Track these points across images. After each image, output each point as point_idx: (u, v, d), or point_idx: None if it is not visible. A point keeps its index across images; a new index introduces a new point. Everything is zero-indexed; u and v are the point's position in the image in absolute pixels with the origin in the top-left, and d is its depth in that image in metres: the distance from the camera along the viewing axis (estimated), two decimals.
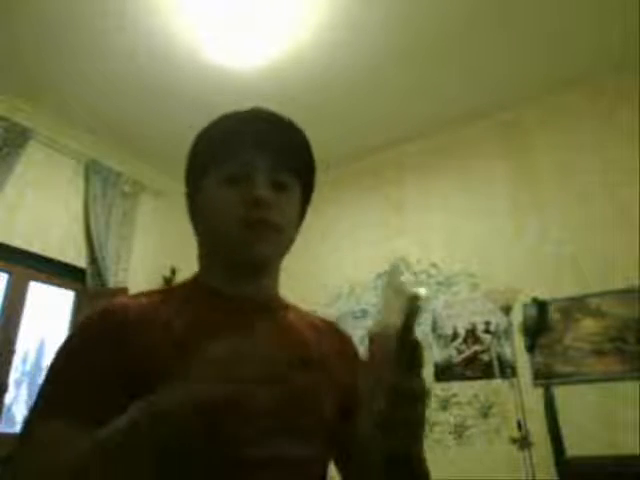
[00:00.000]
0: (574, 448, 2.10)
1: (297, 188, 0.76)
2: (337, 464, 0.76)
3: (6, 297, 3.01)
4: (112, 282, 3.36)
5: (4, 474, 0.58)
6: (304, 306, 0.84)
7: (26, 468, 0.57)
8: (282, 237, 0.73)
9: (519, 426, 2.40)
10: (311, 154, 0.77)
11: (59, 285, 3.32)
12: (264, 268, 0.74)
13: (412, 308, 0.45)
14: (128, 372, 0.60)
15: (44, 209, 3.26)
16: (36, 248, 3.17)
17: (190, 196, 0.78)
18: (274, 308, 0.77)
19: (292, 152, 0.74)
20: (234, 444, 0.59)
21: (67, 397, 0.60)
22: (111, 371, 0.61)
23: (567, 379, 2.65)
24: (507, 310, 2.50)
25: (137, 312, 0.66)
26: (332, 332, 0.82)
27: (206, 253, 0.77)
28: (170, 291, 0.75)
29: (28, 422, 0.61)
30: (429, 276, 3.32)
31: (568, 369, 2.67)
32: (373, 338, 0.51)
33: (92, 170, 3.50)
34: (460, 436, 2.85)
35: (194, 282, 0.76)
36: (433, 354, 3.13)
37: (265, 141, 0.72)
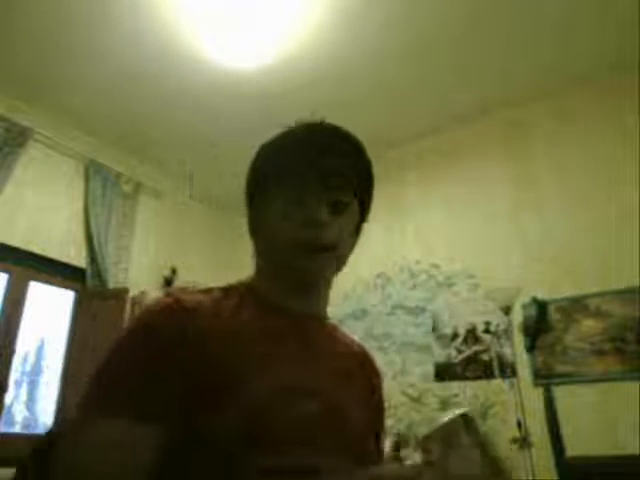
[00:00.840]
0: (574, 448, 2.10)
1: (355, 206, 0.75)
2: None
3: (6, 297, 3.01)
4: (112, 282, 3.36)
5: (52, 469, 0.56)
6: None
7: (94, 469, 0.55)
8: (335, 256, 0.73)
9: (519, 426, 2.40)
10: (371, 172, 0.78)
11: (59, 285, 3.32)
12: (316, 285, 0.76)
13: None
14: (193, 380, 0.59)
15: (44, 209, 3.25)
16: (36, 248, 3.17)
17: (249, 209, 0.78)
18: (324, 324, 0.79)
19: (353, 171, 0.74)
20: (274, 452, 0.59)
21: (130, 397, 0.58)
22: (177, 377, 0.59)
23: (567, 379, 2.65)
24: (507, 310, 2.50)
25: (205, 316, 0.64)
26: (366, 358, 0.85)
27: (263, 264, 0.77)
28: (226, 295, 0.72)
29: (85, 417, 0.59)
30: (429, 276, 3.32)
31: (568, 369, 2.67)
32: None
33: (92, 170, 3.50)
34: None
35: (249, 289, 0.75)
36: (433, 354, 3.13)
37: (326, 160, 0.72)
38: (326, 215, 0.70)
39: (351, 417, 0.70)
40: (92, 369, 0.62)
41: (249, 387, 0.60)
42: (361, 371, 0.80)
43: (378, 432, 0.80)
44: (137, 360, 0.60)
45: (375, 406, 0.81)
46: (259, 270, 0.78)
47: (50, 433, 0.73)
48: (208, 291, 0.71)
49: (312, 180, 0.71)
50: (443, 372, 3.06)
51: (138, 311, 3.23)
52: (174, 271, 3.81)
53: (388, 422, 3.13)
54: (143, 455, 0.56)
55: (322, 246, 0.70)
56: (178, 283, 3.78)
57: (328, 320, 0.81)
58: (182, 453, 0.58)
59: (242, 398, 0.59)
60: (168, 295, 0.67)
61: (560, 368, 2.69)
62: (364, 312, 3.48)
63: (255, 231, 0.77)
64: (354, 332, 3.42)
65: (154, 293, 3.47)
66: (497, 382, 2.86)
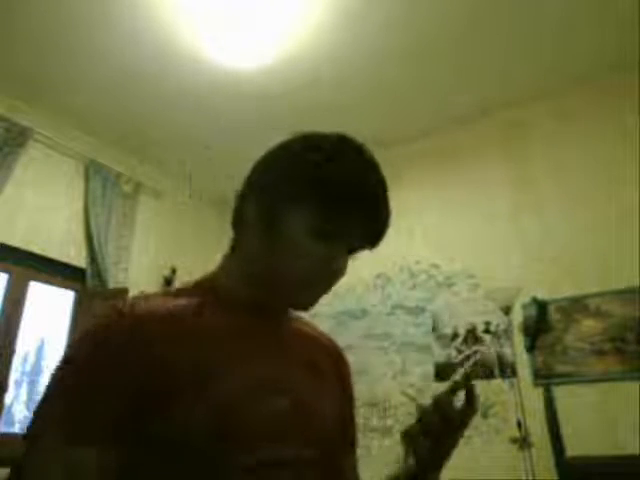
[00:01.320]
0: (574, 448, 2.10)
1: None
2: None
3: (6, 297, 3.01)
4: (112, 282, 3.36)
5: None
6: None
7: None
8: (325, 294, 0.72)
9: (519, 426, 2.40)
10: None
11: (59, 285, 3.32)
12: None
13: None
14: (144, 389, 0.58)
15: (44, 209, 3.25)
16: (36, 248, 3.17)
17: (261, 203, 0.70)
18: (291, 318, 0.80)
19: (384, 231, 0.74)
20: (247, 448, 0.60)
21: (80, 418, 0.56)
22: (128, 389, 0.57)
23: (567, 379, 2.65)
24: (507, 310, 2.50)
25: (155, 320, 0.63)
26: (334, 349, 0.85)
27: (248, 265, 0.72)
28: (187, 295, 0.69)
29: (34, 444, 0.57)
30: (429, 276, 3.32)
31: (568, 369, 2.67)
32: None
33: (92, 170, 3.50)
34: None
35: (213, 287, 0.72)
36: (433, 354, 3.13)
37: (373, 216, 0.70)
38: (345, 266, 0.70)
39: (321, 410, 0.70)
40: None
41: (217, 385, 0.60)
42: (330, 362, 0.80)
43: (349, 421, 0.81)
44: (78, 377, 0.59)
45: (345, 395, 0.81)
46: (233, 271, 0.73)
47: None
48: (167, 293, 0.70)
49: (353, 231, 0.68)
50: (443, 372, 3.06)
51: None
52: (174, 271, 3.81)
53: (388, 422, 3.13)
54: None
55: (329, 288, 0.70)
56: (178, 283, 3.78)
57: (295, 314, 0.80)
58: (148, 463, 0.57)
59: (210, 397, 0.58)
60: (120, 302, 0.65)
61: (560, 368, 2.69)
62: (364, 312, 3.48)
63: (266, 230, 0.69)
64: (354, 332, 3.43)
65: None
66: (497, 382, 2.86)
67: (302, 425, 0.66)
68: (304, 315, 0.81)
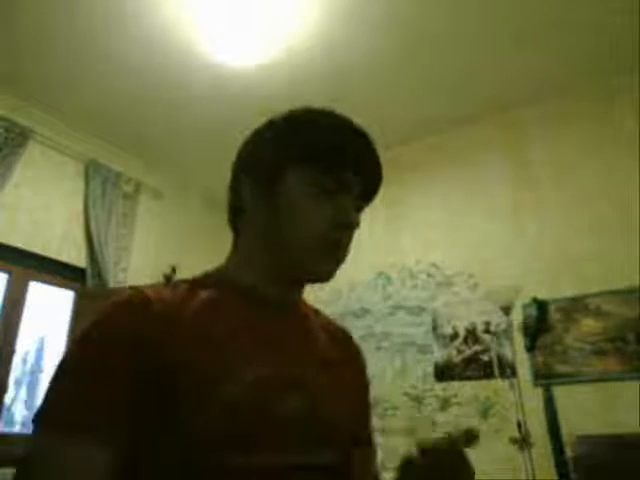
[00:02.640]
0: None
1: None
2: None
3: (6, 297, 3.01)
4: (112, 282, 3.36)
5: None
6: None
7: None
8: (345, 258, 0.71)
9: (519, 426, 2.40)
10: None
11: (59, 285, 3.32)
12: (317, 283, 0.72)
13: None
14: (152, 375, 0.56)
15: (44, 209, 3.25)
16: (36, 248, 3.17)
17: (257, 182, 0.70)
18: (302, 310, 0.77)
19: (379, 184, 0.73)
20: (262, 449, 0.57)
21: (86, 412, 0.55)
22: (134, 379, 0.56)
23: (567, 379, 2.65)
24: (507, 310, 2.50)
25: (161, 307, 0.60)
26: (346, 337, 0.83)
27: (254, 250, 0.71)
28: (194, 288, 0.67)
29: (39, 435, 0.56)
30: (429, 276, 3.32)
31: (568, 369, 2.67)
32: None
33: (92, 170, 3.50)
34: None
35: (221, 278, 0.71)
36: (433, 354, 3.13)
37: (368, 168, 0.71)
38: (358, 218, 0.69)
39: (336, 409, 0.67)
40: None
41: (225, 383, 0.57)
42: (344, 352, 0.78)
43: (366, 413, 0.78)
44: (89, 369, 0.57)
45: (362, 384, 0.79)
46: (242, 257, 0.72)
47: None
48: (174, 286, 0.67)
49: (357, 183, 0.69)
50: (443, 372, 3.06)
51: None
52: (174, 270, 3.81)
53: (388, 422, 3.13)
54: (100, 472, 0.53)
55: (346, 249, 0.69)
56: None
57: (306, 304, 0.79)
58: (153, 460, 0.56)
59: (223, 394, 0.56)
60: (130, 289, 0.63)
61: (560, 368, 2.69)
62: (364, 311, 3.48)
63: (267, 206, 0.69)
64: (354, 332, 3.41)
65: None
66: (497, 382, 2.86)
67: (316, 426, 0.63)
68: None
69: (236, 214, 0.74)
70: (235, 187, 0.73)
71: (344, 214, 0.67)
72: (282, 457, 0.58)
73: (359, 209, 0.72)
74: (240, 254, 0.73)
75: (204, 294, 0.66)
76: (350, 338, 0.84)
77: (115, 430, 0.55)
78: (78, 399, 0.55)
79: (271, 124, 0.73)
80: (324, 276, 0.69)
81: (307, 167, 0.67)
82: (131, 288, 0.64)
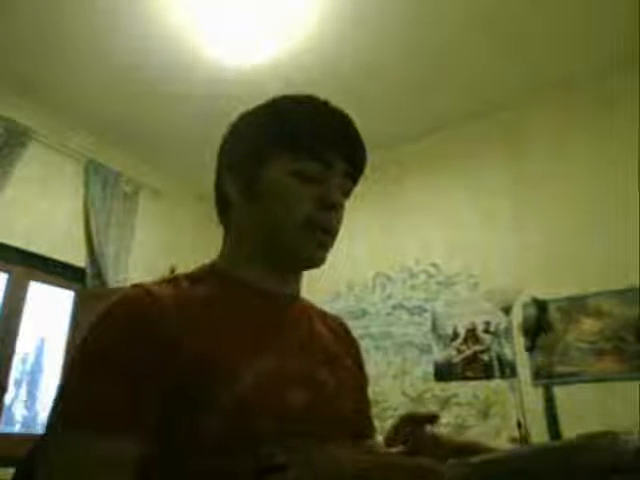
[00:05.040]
0: None
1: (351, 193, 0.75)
2: None
3: (6, 297, 3.01)
4: (112, 282, 3.36)
5: None
6: None
7: None
8: (334, 242, 0.71)
9: (519, 426, 2.40)
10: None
11: (59, 285, 3.32)
12: (310, 269, 0.72)
13: None
14: (176, 377, 0.55)
15: (44, 209, 3.25)
16: (36, 248, 3.17)
17: (240, 175, 0.70)
18: (302, 304, 0.77)
19: (363, 161, 0.73)
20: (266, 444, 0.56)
21: (105, 409, 0.53)
22: (158, 377, 0.55)
23: (567, 379, 2.65)
24: (507, 310, 2.50)
25: (175, 305, 0.60)
26: (343, 329, 0.84)
27: (246, 242, 0.71)
28: (193, 283, 0.67)
29: (55, 434, 0.55)
30: (429, 276, 3.32)
31: (568, 369, 2.67)
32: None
33: (92, 170, 3.50)
34: (460, 436, 2.85)
35: (219, 272, 0.71)
36: (433, 354, 3.13)
37: (348, 146, 0.71)
38: (342, 199, 0.70)
39: (341, 399, 0.68)
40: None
41: (237, 379, 0.57)
42: (344, 344, 0.79)
43: (367, 405, 0.78)
44: (106, 365, 0.55)
45: (361, 374, 0.80)
46: (235, 250, 0.73)
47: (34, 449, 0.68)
48: (173, 280, 0.67)
49: (339, 162, 0.69)
50: (443, 372, 3.06)
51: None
52: (173, 271, 3.81)
53: (387, 422, 3.13)
54: (123, 470, 0.52)
55: (334, 231, 0.69)
56: None
57: (303, 299, 0.79)
58: (168, 460, 0.55)
59: (235, 391, 0.56)
60: (135, 286, 0.62)
61: (560, 368, 2.69)
62: (364, 311, 3.48)
63: (247, 203, 0.69)
64: (354, 332, 3.41)
65: None
66: (497, 382, 2.86)
67: (321, 421, 0.63)
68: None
69: (223, 210, 0.75)
70: (219, 183, 0.74)
71: (328, 195, 0.67)
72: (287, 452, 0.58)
73: (348, 192, 0.73)
74: (230, 248, 0.74)
75: (204, 290, 0.66)
76: (345, 328, 0.85)
77: (143, 428, 0.54)
78: (106, 397, 0.54)
79: (248, 116, 0.74)
80: (314, 260, 0.70)
81: (289, 155, 0.67)
82: (133, 285, 0.63)
